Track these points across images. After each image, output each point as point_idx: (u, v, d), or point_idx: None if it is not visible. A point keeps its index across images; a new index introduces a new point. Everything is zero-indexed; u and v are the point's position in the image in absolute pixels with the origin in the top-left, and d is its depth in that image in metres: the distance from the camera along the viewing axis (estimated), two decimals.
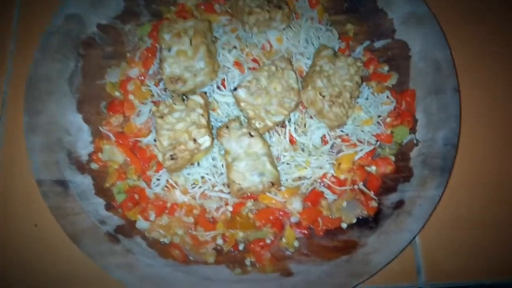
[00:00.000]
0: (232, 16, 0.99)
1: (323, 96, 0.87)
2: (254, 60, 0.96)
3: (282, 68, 0.90)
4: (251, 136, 0.86)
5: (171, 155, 0.82)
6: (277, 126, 0.91)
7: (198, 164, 0.89)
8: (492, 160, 0.97)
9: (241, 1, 0.94)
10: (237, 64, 0.95)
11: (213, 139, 0.86)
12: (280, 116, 0.88)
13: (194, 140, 0.83)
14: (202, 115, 0.85)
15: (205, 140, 0.84)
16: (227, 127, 0.87)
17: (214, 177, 0.89)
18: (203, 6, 1.01)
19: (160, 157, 0.83)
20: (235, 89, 0.88)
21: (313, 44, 0.98)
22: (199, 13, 1.01)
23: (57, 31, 0.95)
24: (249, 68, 0.95)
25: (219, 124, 0.92)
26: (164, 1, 1.04)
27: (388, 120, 0.93)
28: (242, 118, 0.91)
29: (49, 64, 0.93)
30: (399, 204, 0.87)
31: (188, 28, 0.90)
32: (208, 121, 0.87)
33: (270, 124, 0.88)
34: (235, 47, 0.96)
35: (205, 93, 0.93)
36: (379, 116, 0.93)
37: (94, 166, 0.91)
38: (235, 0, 0.95)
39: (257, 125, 0.87)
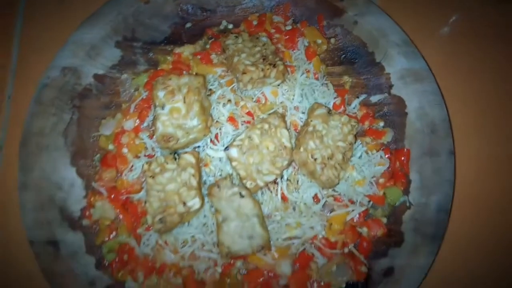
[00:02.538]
0: (228, 68, 0.98)
1: (315, 159, 0.86)
2: (249, 113, 0.95)
3: (275, 125, 0.90)
4: (242, 196, 0.86)
5: (160, 219, 0.82)
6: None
7: (189, 223, 0.89)
8: (486, 225, 0.95)
9: (236, 57, 0.93)
10: (231, 119, 0.94)
11: (203, 199, 0.86)
12: (272, 175, 0.88)
13: (184, 203, 0.83)
14: (193, 175, 0.85)
15: (194, 203, 0.84)
16: (218, 186, 0.87)
17: (204, 236, 0.89)
18: (199, 56, 1.00)
19: (149, 220, 0.84)
20: (227, 148, 0.88)
21: (308, 99, 0.97)
22: (195, 64, 1.00)
23: (52, 84, 0.95)
24: (243, 122, 0.94)
25: (211, 179, 0.92)
26: (161, 50, 1.03)
27: (381, 180, 0.92)
28: (234, 174, 0.91)
29: (43, 118, 0.93)
30: (389, 271, 0.86)
31: (182, 85, 0.90)
32: (199, 181, 0.87)
33: (261, 184, 0.88)
34: (229, 101, 0.96)
35: (198, 148, 0.93)
36: (372, 177, 0.92)
37: (86, 222, 0.92)
38: (231, 55, 0.94)
39: (248, 185, 0.87)
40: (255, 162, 0.88)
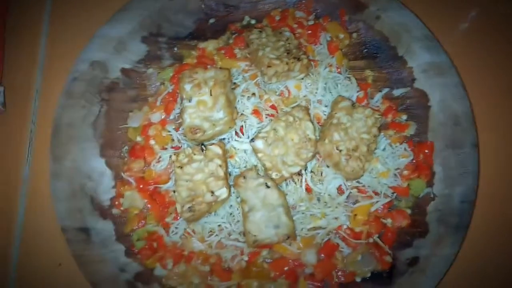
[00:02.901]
0: (251, 62, 1.00)
1: (340, 150, 0.88)
2: (272, 107, 0.97)
3: (300, 118, 0.91)
4: (268, 187, 0.87)
5: (189, 207, 0.85)
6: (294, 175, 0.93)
7: (215, 213, 0.91)
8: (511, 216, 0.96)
9: (260, 51, 0.95)
10: (256, 112, 0.96)
11: (230, 189, 0.88)
12: (297, 167, 0.90)
13: (212, 192, 0.85)
14: (220, 166, 0.87)
15: (222, 193, 0.86)
16: (244, 177, 0.89)
17: (230, 225, 0.91)
18: (223, 50, 1.02)
19: (178, 208, 0.86)
20: (252, 140, 0.90)
21: (331, 92, 0.99)
22: (219, 58, 1.02)
23: (81, 77, 0.97)
24: (267, 115, 0.96)
25: (237, 171, 0.94)
26: (185, 45, 1.05)
27: (405, 172, 0.94)
28: (259, 166, 0.93)
29: (73, 110, 0.96)
30: (414, 261, 0.87)
31: (208, 79, 0.92)
32: (226, 171, 0.89)
33: (286, 175, 0.89)
34: (254, 94, 0.98)
35: (223, 140, 0.95)
36: (396, 169, 0.94)
37: (115, 211, 0.94)
38: (255, 49, 0.96)
39: (274, 176, 0.89)
40: (280, 153, 0.89)
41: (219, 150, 0.88)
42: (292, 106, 0.96)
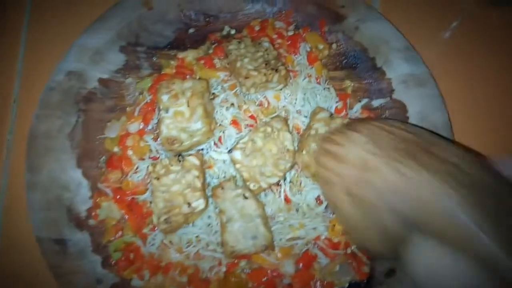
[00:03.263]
0: (230, 72, 1.00)
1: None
2: (252, 117, 0.97)
3: (278, 129, 0.91)
4: (245, 198, 0.87)
5: (165, 219, 0.84)
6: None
7: (193, 224, 0.91)
8: None
9: (238, 62, 0.95)
10: (234, 122, 0.96)
11: (207, 200, 0.88)
12: (275, 178, 0.90)
13: (189, 204, 0.85)
14: (197, 177, 0.87)
15: (199, 204, 0.86)
16: (222, 187, 0.88)
17: (208, 236, 0.91)
18: (202, 60, 1.02)
19: (155, 219, 0.86)
20: (230, 151, 0.90)
21: (309, 103, 0.99)
22: (198, 68, 1.02)
23: (58, 87, 0.97)
24: (246, 126, 0.96)
25: (215, 181, 0.94)
26: (164, 54, 1.05)
27: None
28: (237, 177, 0.93)
29: (49, 121, 0.95)
30: (391, 272, 0.87)
31: (185, 89, 0.92)
32: (203, 182, 0.89)
33: (265, 186, 0.89)
34: (232, 104, 0.98)
35: (202, 150, 0.95)
36: None
37: (92, 222, 0.93)
38: (233, 60, 0.96)
39: (252, 187, 0.89)
40: (258, 164, 0.89)
41: (196, 161, 0.88)
42: (271, 117, 0.96)
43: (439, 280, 0.54)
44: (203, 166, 0.91)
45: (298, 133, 0.97)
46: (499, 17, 1.09)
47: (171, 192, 0.86)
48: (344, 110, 1.00)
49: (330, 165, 0.77)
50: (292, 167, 0.92)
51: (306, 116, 0.98)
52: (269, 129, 0.91)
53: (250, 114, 0.97)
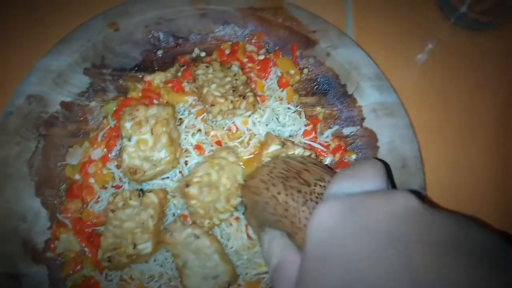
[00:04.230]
0: (198, 97, 0.97)
1: None
2: (218, 143, 0.94)
3: (231, 162, 0.88)
4: (197, 237, 0.84)
5: (108, 257, 0.81)
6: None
7: (154, 258, 0.88)
8: None
9: (205, 88, 0.92)
10: (198, 147, 0.93)
11: (157, 244, 0.84)
12: (227, 213, 0.86)
13: (134, 245, 0.81)
14: (152, 217, 0.83)
15: (145, 248, 0.82)
16: (170, 233, 0.85)
17: (171, 270, 0.88)
18: (170, 84, 0.99)
19: (99, 255, 0.82)
20: (187, 185, 0.86)
21: (278, 122, 0.96)
22: (166, 92, 0.99)
23: (17, 112, 0.93)
24: (211, 151, 0.93)
25: (179, 212, 0.90)
26: (131, 77, 1.01)
27: None
28: (187, 212, 0.88)
29: (7, 147, 0.91)
30: None
31: (149, 117, 0.88)
32: (158, 223, 0.85)
33: (217, 222, 0.86)
34: (199, 130, 0.94)
35: (167, 178, 0.91)
36: None
37: (50, 255, 0.90)
38: (200, 86, 0.93)
39: (206, 224, 0.85)
40: (213, 199, 0.85)
41: (155, 199, 0.84)
42: (223, 147, 0.92)
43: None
44: (164, 205, 0.87)
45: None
46: (471, 44, 1.08)
47: (123, 228, 0.82)
48: (314, 133, 0.97)
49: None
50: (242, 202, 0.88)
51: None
52: (223, 162, 0.87)
53: (217, 140, 0.94)
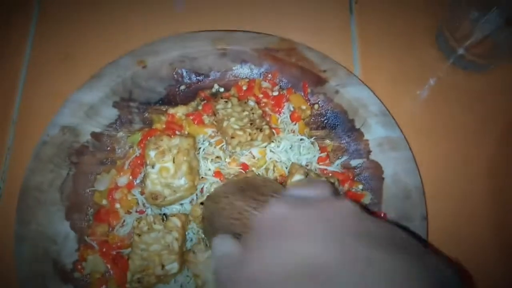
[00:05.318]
0: (217, 129, 1.05)
1: None
2: (243, 165, 1.01)
3: None
4: None
5: (138, 278, 0.87)
6: None
7: (174, 280, 0.94)
8: None
9: (225, 121, 1.00)
10: (217, 174, 1.00)
11: (182, 264, 0.91)
12: None
13: (163, 266, 0.88)
14: (177, 239, 0.90)
15: (173, 268, 0.88)
16: (193, 252, 0.91)
17: None
18: (192, 116, 1.07)
19: (128, 277, 0.89)
20: (202, 203, 0.93)
21: (293, 152, 1.03)
22: (187, 124, 1.07)
23: (51, 141, 1.01)
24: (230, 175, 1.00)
25: (195, 235, 0.97)
26: (155, 109, 1.10)
27: None
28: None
29: (41, 174, 0.99)
30: None
31: (172, 147, 0.97)
32: (182, 245, 0.92)
33: None
34: (218, 157, 1.02)
35: (186, 214, 0.98)
36: None
37: (77, 275, 0.96)
38: (220, 119, 1.01)
39: None
40: None
41: (178, 223, 0.92)
42: (250, 171, 1.00)
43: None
44: (185, 228, 0.94)
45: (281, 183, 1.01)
46: (468, 82, 1.17)
47: (149, 251, 0.89)
48: (327, 160, 1.05)
49: None
50: None
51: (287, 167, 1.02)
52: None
53: (238, 165, 1.01)
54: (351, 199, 0.63)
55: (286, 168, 1.02)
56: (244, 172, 1.01)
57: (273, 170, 1.00)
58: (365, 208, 0.92)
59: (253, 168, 1.02)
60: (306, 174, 0.96)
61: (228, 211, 0.78)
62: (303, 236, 0.56)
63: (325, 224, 0.56)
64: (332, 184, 0.94)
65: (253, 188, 0.81)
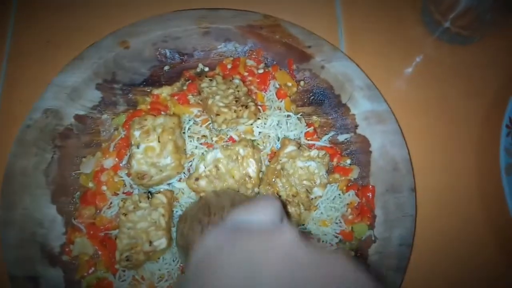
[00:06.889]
0: (203, 108, 1.04)
1: (279, 196, 0.92)
2: (231, 139, 1.02)
3: (242, 155, 0.95)
4: None
5: (126, 256, 0.87)
6: None
7: (162, 258, 0.93)
8: (448, 256, 1.01)
9: (210, 99, 0.99)
10: (206, 144, 1.01)
11: (171, 239, 0.90)
12: None
13: (150, 242, 0.88)
14: (163, 215, 0.90)
15: (161, 243, 0.89)
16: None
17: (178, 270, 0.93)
18: (176, 97, 1.06)
19: (117, 256, 0.88)
20: (196, 179, 0.93)
21: (281, 127, 1.03)
22: (172, 104, 1.06)
23: (34, 125, 0.99)
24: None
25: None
26: (140, 91, 1.09)
27: (350, 217, 0.98)
28: None
29: (25, 158, 0.97)
30: None
31: (157, 126, 0.96)
32: (169, 221, 0.92)
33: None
34: (205, 136, 1.02)
35: (172, 183, 0.98)
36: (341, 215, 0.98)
37: (65, 258, 0.95)
38: (205, 98, 1.00)
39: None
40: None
41: (164, 199, 0.91)
42: (238, 140, 1.00)
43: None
44: (172, 204, 0.94)
45: (269, 160, 1.01)
46: (454, 56, 1.17)
47: (136, 229, 0.88)
48: (315, 135, 1.05)
49: None
50: (255, 195, 0.95)
51: (278, 140, 1.03)
52: (233, 155, 0.95)
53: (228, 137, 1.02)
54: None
55: (278, 140, 1.02)
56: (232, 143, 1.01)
57: (263, 142, 1.01)
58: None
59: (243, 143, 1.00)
60: (299, 146, 0.97)
61: (185, 234, 0.83)
62: (229, 276, 0.57)
63: (251, 263, 0.57)
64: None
65: (204, 207, 0.84)
